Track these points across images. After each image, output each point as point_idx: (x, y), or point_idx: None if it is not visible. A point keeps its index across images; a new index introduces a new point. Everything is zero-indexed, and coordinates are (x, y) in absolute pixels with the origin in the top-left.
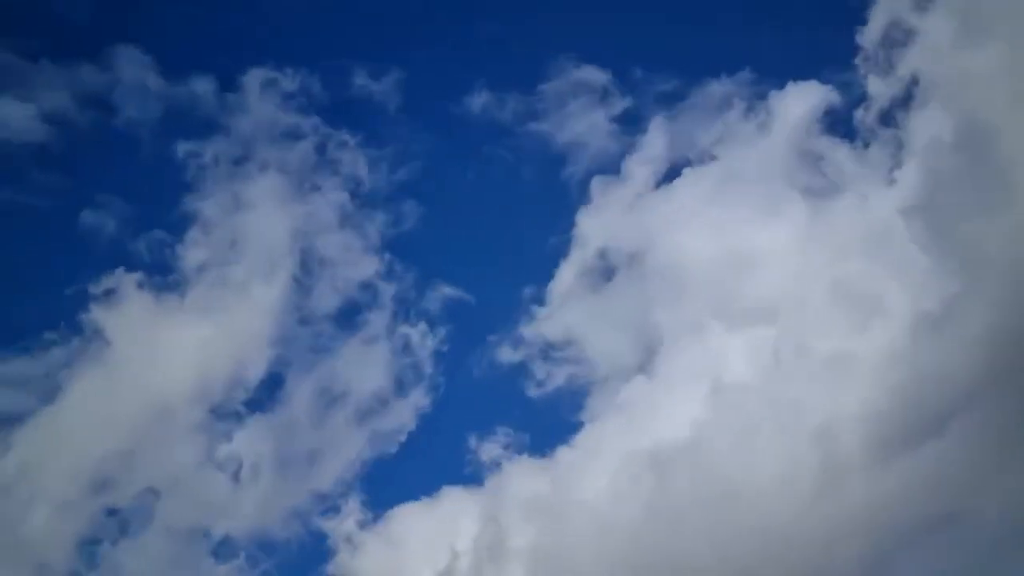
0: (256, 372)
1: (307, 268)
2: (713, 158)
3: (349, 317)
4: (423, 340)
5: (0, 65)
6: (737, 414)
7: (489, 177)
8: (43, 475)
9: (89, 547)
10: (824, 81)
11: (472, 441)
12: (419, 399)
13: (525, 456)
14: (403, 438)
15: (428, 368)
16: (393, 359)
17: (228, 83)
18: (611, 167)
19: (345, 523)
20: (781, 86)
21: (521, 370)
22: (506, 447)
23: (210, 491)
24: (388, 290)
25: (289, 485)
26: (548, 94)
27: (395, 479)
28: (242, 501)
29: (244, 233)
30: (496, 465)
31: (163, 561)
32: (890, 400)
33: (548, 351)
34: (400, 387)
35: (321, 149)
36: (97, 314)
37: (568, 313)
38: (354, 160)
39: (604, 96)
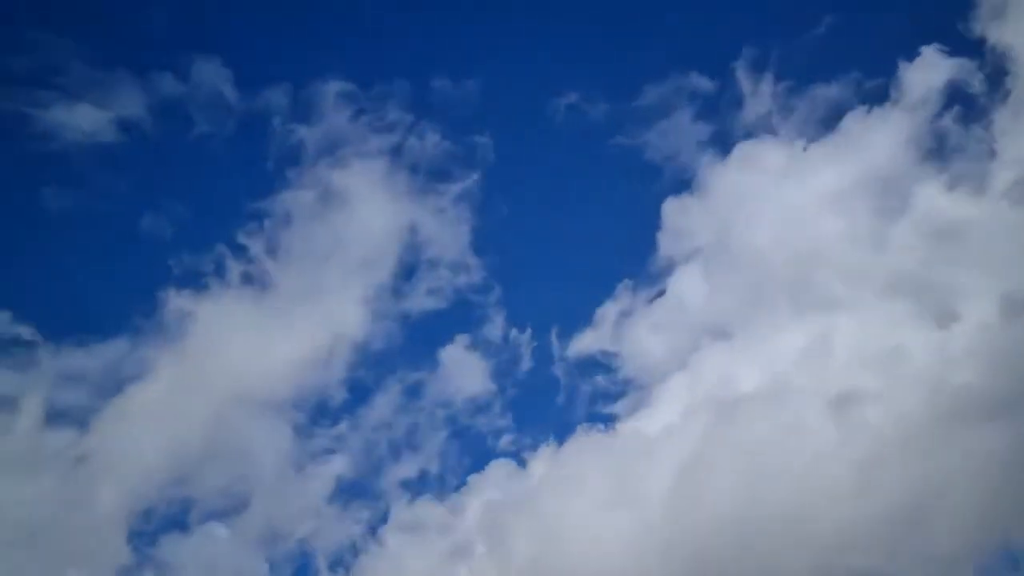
0: (342, 374)
1: (396, 267)
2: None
3: (434, 318)
4: (508, 343)
5: (79, 73)
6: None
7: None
8: (113, 469)
9: (149, 542)
10: (930, 70)
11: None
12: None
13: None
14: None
15: (507, 371)
16: (479, 360)
17: (304, 92)
18: (706, 166)
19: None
20: (891, 81)
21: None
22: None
23: (290, 495)
24: (467, 293)
25: (368, 491)
26: (647, 99)
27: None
28: (318, 506)
29: (331, 232)
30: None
31: (234, 564)
32: (969, 380)
33: (613, 354)
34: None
35: (400, 151)
36: (179, 310)
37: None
38: (433, 163)
39: (702, 101)
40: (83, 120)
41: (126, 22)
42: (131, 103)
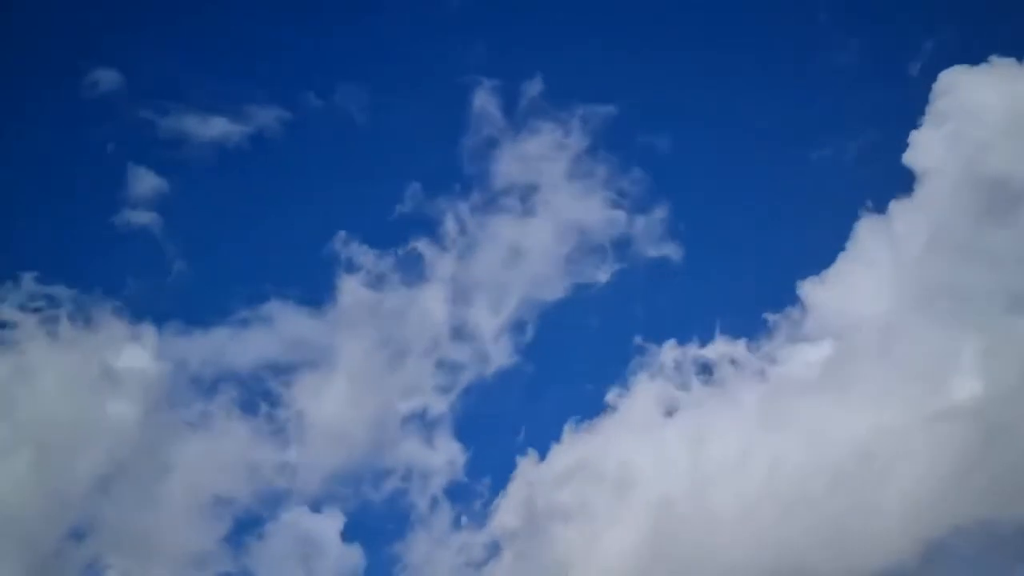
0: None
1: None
2: None
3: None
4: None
5: (218, 90)
6: None
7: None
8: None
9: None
10: None
11: None
12: None
13: None
14: None
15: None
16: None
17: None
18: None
19: None
20: None
21: None
22: None
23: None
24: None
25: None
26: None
27: None
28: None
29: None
30: None
31: None
32: None
33: None
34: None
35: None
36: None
37: None
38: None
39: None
40: (218, 131)
41: (275, 44)
42: (268, 118)
